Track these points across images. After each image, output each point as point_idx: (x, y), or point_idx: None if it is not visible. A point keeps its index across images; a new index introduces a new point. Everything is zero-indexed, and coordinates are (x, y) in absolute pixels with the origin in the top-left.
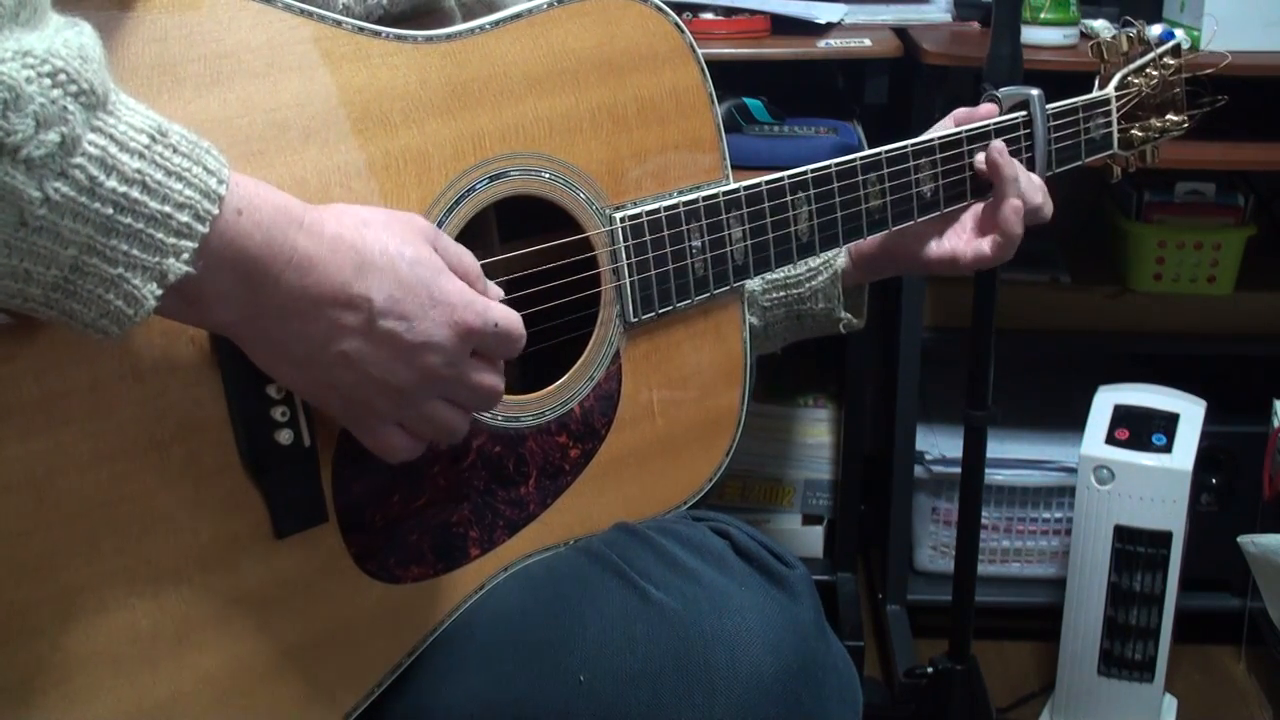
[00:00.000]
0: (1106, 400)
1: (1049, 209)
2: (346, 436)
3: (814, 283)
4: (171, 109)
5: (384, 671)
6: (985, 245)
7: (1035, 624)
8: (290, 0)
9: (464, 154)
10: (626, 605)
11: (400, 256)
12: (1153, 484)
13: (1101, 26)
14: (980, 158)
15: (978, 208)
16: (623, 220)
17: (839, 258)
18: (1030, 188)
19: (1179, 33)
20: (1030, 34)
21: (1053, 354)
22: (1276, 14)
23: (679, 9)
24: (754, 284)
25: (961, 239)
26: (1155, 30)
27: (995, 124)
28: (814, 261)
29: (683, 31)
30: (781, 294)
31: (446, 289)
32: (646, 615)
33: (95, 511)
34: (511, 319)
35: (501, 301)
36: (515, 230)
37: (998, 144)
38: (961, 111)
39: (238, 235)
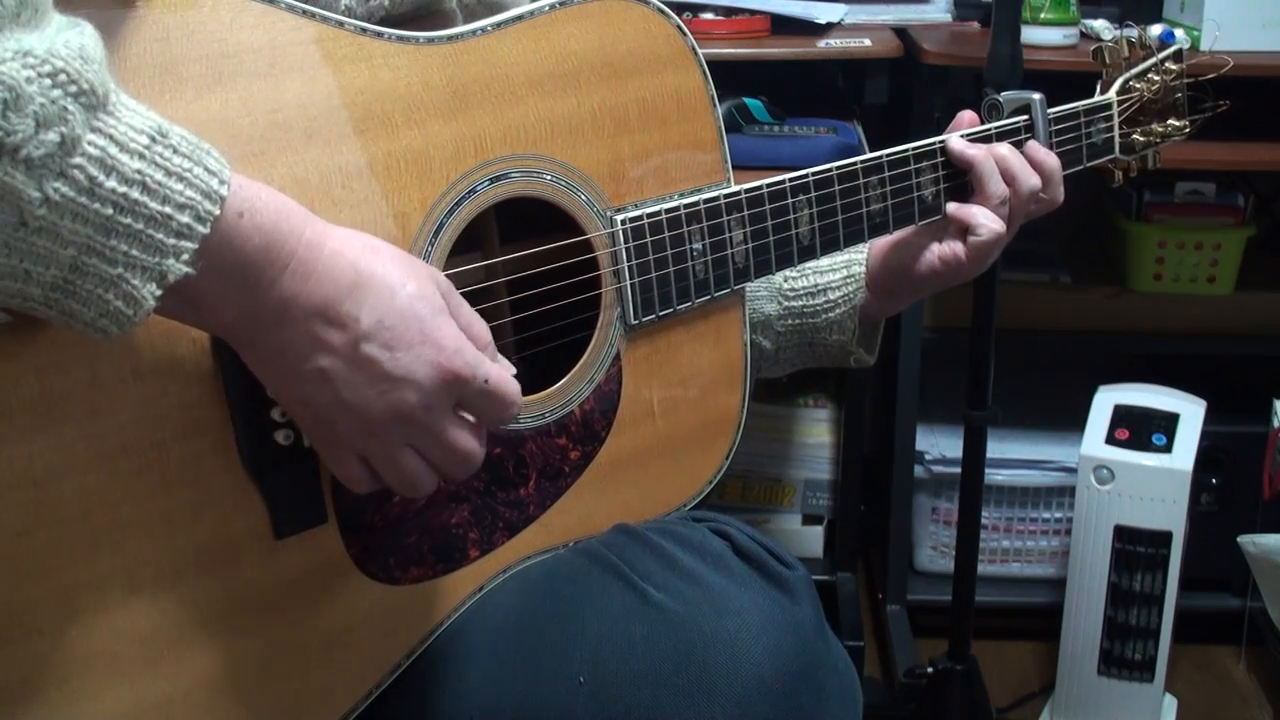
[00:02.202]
0: (1106, 400)
1: (1042, 187)
2: None
3: (832, 314)
4: (173, 109)
5: (383, 672)
6: (973, 238)
7: (1035, 624)
8: (292, 1)
9: (465, 155)
10: (626, 606)
11: (401, 286)
12: (1153, 484)
13: (1102, 27)
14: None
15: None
16: (624, 222)
17: (859, 293)
18: (1019, 165)
19: (1179, 33)
20: (1030, 34)
21: (1053, 354)
22: (1276, 14)
23: (679, 9)
24: (770, 309)
25: (960, 239)
26: (1155, 31)
27: (997, 128)
28: (834, 294)
29: (684, 34)
30: (798, 321)
31: (441, 329)
32: (646, 616)
33: (95, 511)
34: (506, 383)
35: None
36: (516, 232)
37: (954, 140)
38: (965, 115)
39: (237, 237)
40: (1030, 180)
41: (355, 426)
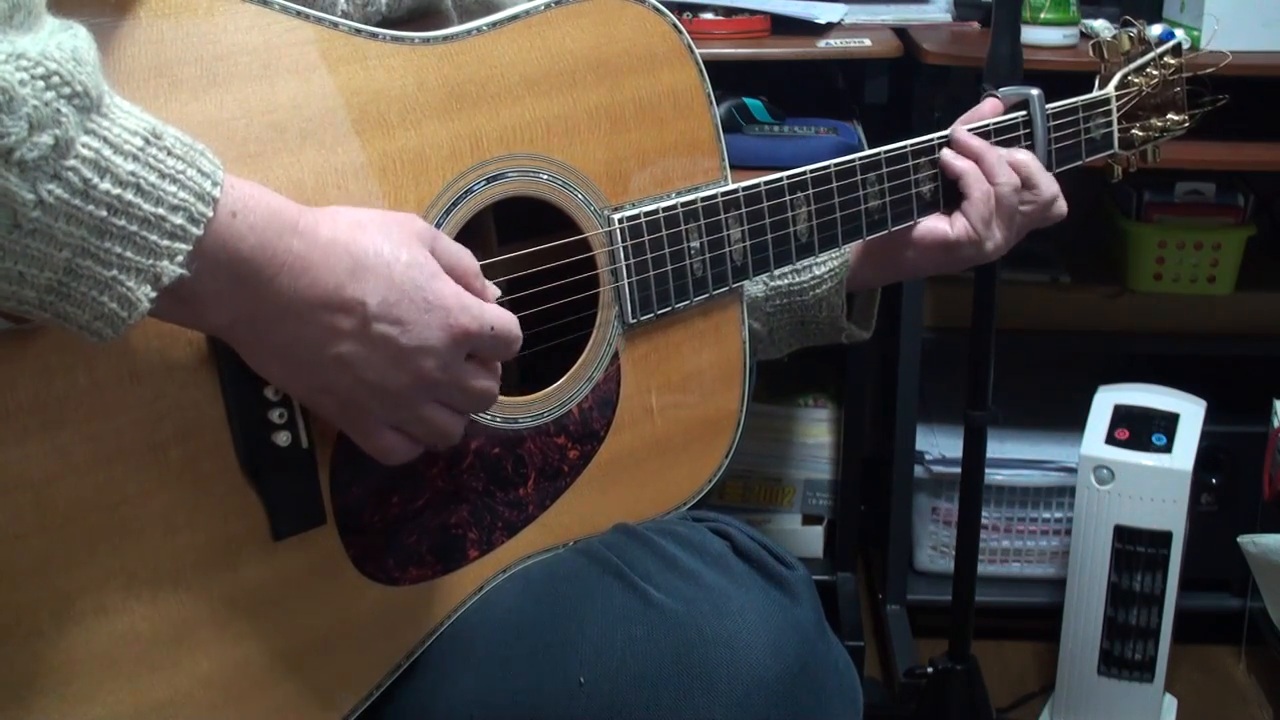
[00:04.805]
0: (1106, 400)
1: (1023, 184)
2: (345, 438)
3: (819, 290)
4: (168, 111)
5: (383, 673)
6: (969, 213)
7: (1035, 624)
8: (287, 3)
9: (461, 155)
10: (626, 606)
11: (395, 259)
12: (1153, 484)
13: (1101, 26)
14: (947, 154)
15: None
16: (621, 221)
17: (844, 268)
18: (999, 166)
19: (1179, 32)
20: (1030, 34)
21: (1053, 354)
22: (1276, 13)
23: (679, 9)
24: (757, 289)
25: (945, 219)
26: (1155, 30)
27: (995, 124)
28: (819, 269)
29: (681, 32)
30: (785, 300)
31: (441, 292)
32: (646, 616)
33: (93, 514)
34: (507, 321)
35: (499, 302)
36: (513, 231)
37: (960, 134)
38: (967, 116)
39: (231, 237)
40: (1005, 176)
41: (382, 401)
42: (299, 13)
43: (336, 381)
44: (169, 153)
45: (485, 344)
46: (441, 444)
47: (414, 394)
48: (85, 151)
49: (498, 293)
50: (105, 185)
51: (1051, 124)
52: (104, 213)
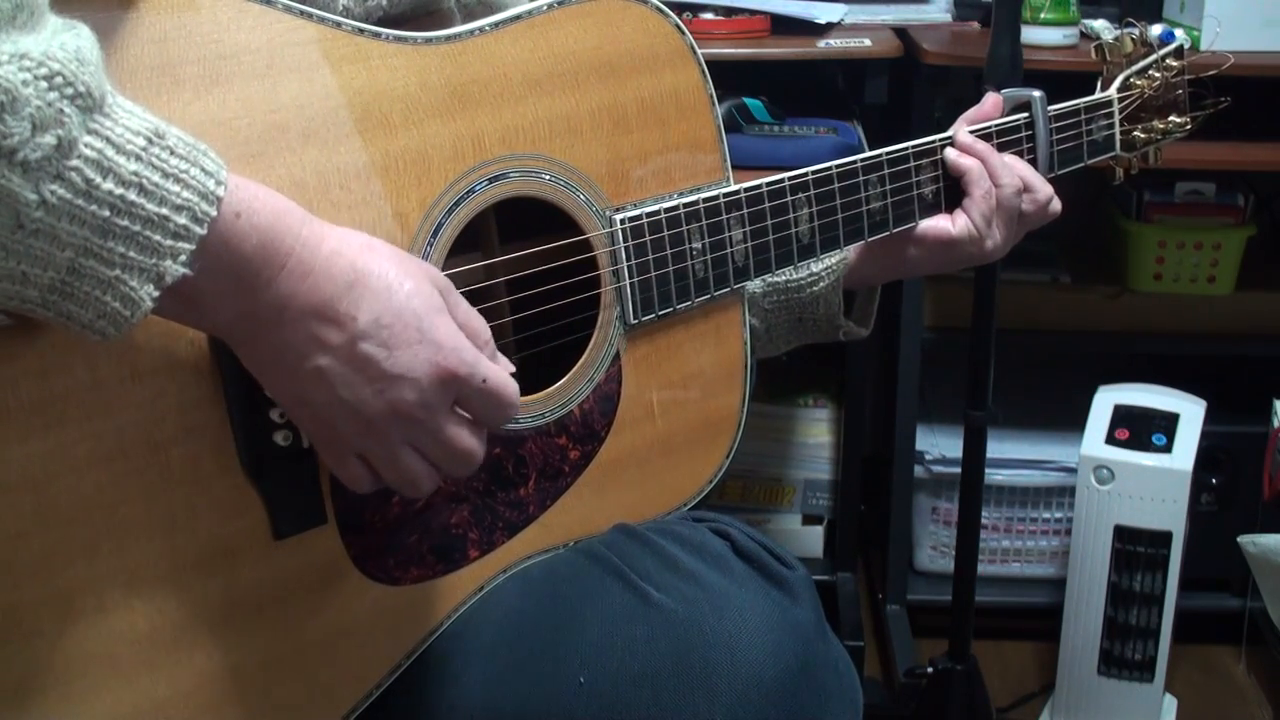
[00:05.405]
0: (1106, 400)
1: (1041, 193)
2: None
3: (816, 287)
4: (170, 110)
5: (383, 672)
6: (970, 211)
7: (1035, 624)
8: (290, 2)
9: (464, 155)
10: (627, 607)
11: (399, 286)
12: (1153, 484)
13: (1101, 27)
14: (951, 153)
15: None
16: (623, 221)
17: (842, 264)
18: (1003, 169)
19: (1179, 33)
20: (1030, 34)
21: (1053, 354)
22: (1276, 13)
23: (679, 9)
24: (755, 286)
25: (947, 217)
26: (1155, 30)
27: (997, 125)
28: (817, 266)
29: (683, 33)
30: (783, 297)
31: (438, 327)
32: (647, 617)
33: (94, 513)
34: (504, 383)
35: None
36: (515, 232)
37: (963, 136)
38: (970, 114)
39: (234, 237)
40: (1009, 178)
41: (354, 425)
42: (302, 12)
43: (313, 395)
44: (172, 152)
45: (474, 396)
46: (408, 492)
47: (387, 426)
48: (88, 151)
49: (511, 368)
50: (108, 185)
51: (1054, 126)
52: (107, 212)
